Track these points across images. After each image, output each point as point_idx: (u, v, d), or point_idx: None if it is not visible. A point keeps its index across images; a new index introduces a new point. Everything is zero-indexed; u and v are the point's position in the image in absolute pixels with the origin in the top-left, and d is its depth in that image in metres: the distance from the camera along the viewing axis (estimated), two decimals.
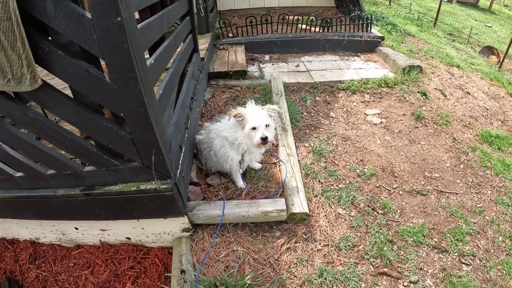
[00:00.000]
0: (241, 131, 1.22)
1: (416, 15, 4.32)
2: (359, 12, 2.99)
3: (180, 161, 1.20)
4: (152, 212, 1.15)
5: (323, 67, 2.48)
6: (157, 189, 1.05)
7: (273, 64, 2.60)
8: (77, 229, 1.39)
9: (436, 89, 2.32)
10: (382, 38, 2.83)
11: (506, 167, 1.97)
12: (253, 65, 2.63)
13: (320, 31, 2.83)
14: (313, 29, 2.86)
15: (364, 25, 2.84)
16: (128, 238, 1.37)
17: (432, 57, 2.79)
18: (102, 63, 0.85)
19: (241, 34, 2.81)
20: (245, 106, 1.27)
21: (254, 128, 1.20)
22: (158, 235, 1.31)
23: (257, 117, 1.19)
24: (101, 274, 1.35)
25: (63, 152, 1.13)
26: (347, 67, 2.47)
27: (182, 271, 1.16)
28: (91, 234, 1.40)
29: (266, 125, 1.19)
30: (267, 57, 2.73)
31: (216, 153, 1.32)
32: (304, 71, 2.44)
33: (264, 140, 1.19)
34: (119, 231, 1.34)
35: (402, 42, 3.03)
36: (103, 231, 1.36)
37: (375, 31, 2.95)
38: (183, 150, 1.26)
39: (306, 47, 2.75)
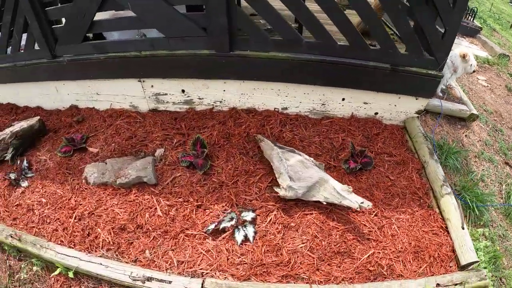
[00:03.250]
0: (462, 63, 2.29)
1: (497, 15, 6.04)
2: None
3: None
4: (419, 91, 2.15)
5: None
6: (437, 75, 2.02)
7: None
8: (343, 100, 2.21)
9: None
10: (481, 28, 4.31)
11: None
12: None
13: None
14: None
15: (470, 16, 4.24)
16: (376, 113, 2.28)
17: None
18: None
19: None
20: None
21: (471, 64, 2.32)
22: (399, 113, 2.28)
23: (474, 58, 2.39)
24: (356, 136, 2.22)
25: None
26: (459, 43, 3.77)
27: (423, 134, 2.15)
28: (350, 107, 2.25)
29: None
30: None
31: None
32: None
33: (474, 71, 2.40)
34: (376, 105, 2.24)
35: (492, 35, 4.58)
36: (365, 104, 2.23)
37: (476, 22, 4.42)
38: None
39: None
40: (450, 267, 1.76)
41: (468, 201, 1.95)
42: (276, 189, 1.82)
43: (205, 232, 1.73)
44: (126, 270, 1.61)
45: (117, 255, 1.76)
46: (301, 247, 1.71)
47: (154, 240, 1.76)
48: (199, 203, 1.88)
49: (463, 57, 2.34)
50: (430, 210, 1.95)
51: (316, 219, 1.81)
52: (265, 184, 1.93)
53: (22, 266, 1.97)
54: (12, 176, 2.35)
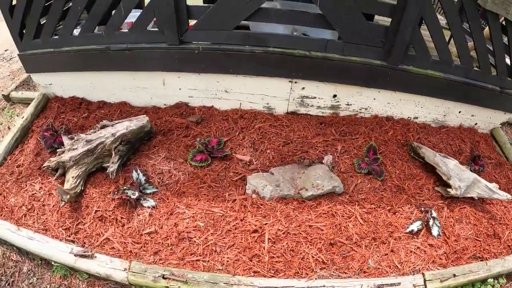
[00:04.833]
0: None
1: None
2: None
3: None
4: (509, 107, 2.97)
5: None
6: None
7: None
8: (459, 112, 2.89)
9: None
10: None
11: None
12: None
13: None
14: None
15: None
16: (475, 124, 3.09)
17: None
18: None
19: None
20: None
21: None
22: (490, 124, 3.12)
23: None
24: (466, 143, 2.93)
25: None
26: None
27: (509, 141, 3.03)
28: (461, 118, 3.01)
29: None
30: None
31: None
32: None
33: None
34: (478, 118, 3.02)
35: None
36: (472, 116, 3.00)
37: None
38: None
39: None
40: None
41: None
42: (448, 189, 2.33)
43: (409, 232, 2.16)
44: (355, 285, 1.69)
45: (334, 272, 1.84)
46: (470, 233, 2.31)
47: (366, 249, 1.99)
48: (389, 207, 2.25)
49: None
50: None
51: (470, 211, 2.42)
52: (430, 185, 2.41)
53: None
54: (131, 193, 2.04)
